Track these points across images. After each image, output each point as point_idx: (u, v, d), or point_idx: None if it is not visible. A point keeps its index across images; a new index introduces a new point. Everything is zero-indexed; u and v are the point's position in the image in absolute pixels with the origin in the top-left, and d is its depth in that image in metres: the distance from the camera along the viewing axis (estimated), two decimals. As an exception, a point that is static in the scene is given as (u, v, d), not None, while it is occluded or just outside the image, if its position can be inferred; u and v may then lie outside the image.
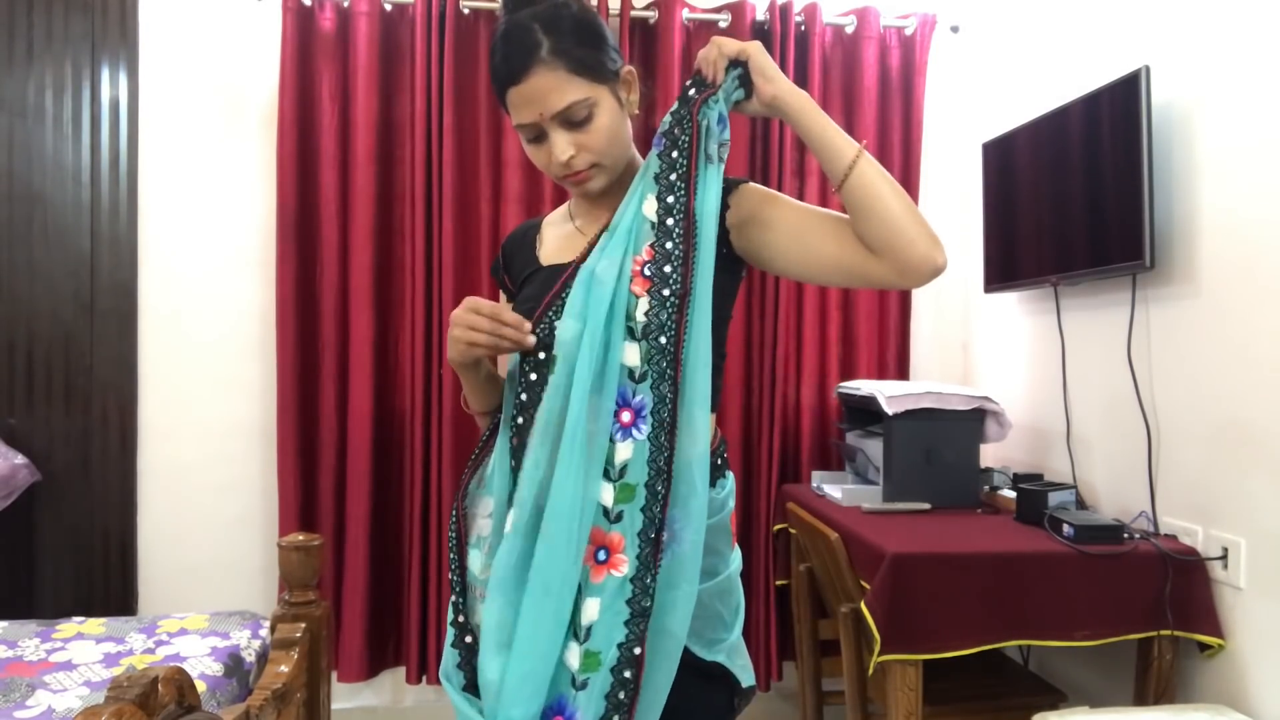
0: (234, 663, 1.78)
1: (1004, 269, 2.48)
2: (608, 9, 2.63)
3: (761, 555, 2.69)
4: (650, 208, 1.15)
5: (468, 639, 1.19)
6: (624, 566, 1.09)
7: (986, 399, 2.33)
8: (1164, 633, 1.80)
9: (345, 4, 2.61)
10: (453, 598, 1.22)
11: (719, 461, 1.23)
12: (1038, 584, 1.81)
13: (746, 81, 1.14)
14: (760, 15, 2.70)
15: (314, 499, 2.64)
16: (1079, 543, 1.85)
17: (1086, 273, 2.12)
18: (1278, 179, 1.70)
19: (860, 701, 2.07)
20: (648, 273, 1.12)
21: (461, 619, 1.21)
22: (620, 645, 1.08)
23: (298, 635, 1.70)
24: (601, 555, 1.10)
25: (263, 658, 1.87)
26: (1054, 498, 2.07)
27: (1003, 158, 2.48)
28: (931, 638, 1.76)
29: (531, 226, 1.36)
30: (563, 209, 1.35)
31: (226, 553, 2.69)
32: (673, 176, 1.14)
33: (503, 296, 1.37)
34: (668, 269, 1.12)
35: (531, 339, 1.14)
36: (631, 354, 1.11)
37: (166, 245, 2.68)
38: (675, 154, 1.14)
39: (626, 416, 1.11)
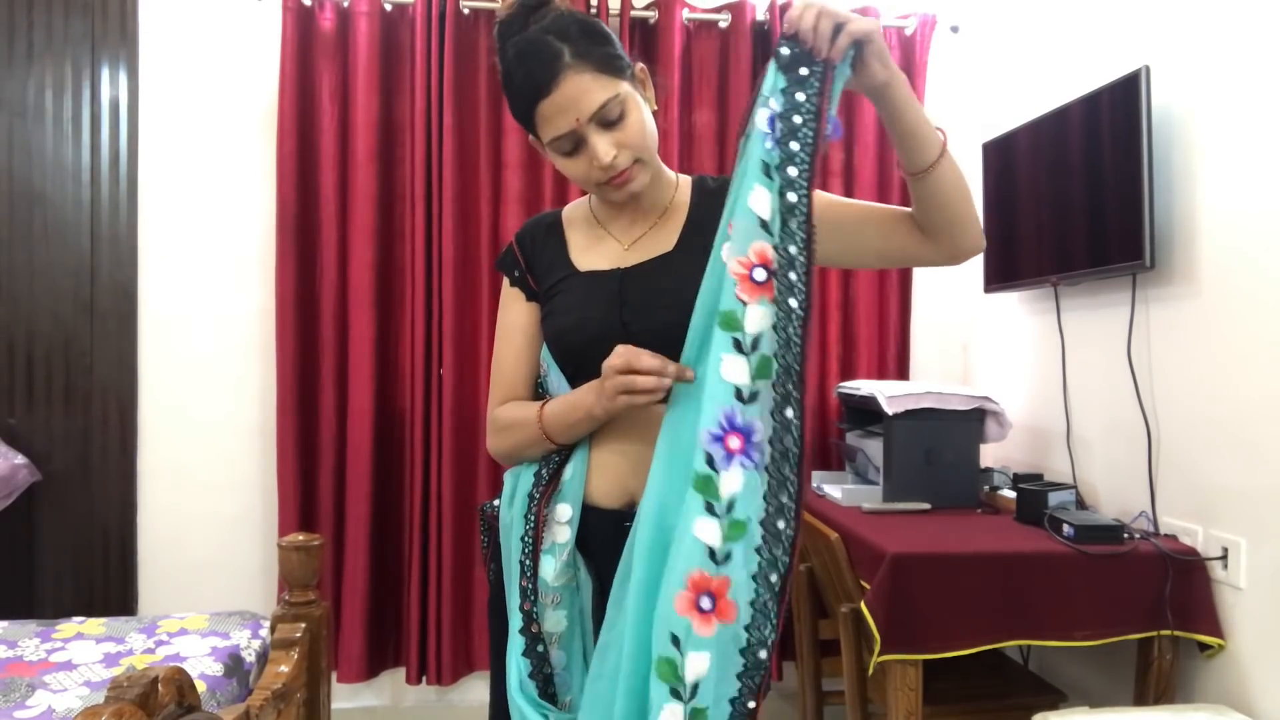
0: (234, 663, 1.78)
1: (1004, 269, 2.48)
2: (607, 9, 2.63)
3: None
4: (763, 203, 1.03)
5: (539, 648, 1.18)
6: (734, 614, 0.98)
7: (986, 399, 2.33)
8: (1164, 633, 1.80)
9: (345, 4, 2.61)
10: (523, 606, 1.18)
11: None
12: (1038, 584, 1.81)
13: (855, 61, 1.05)
14: (760, 15, 2.70)
15: (314, 499, 2.63)
16: (1079, 543, 1.85)
17: (1086, 273, 2.12)
18: (1277, 179, 1.70)
19: (860, 701, 2.07)
20: (759, 278, 1.01)
21: (535, 628, 1.18)
22: (733, 700, 0.99)
23: (298, 635, 1.70)
24: (705, 604, 0.98)
25: (263, 658, 1.87)
26: (1054, 498, 2.07)
27: (1003, 158, 2.48)
28: (931, 638, 1.76)
29: (552, 224, 1.30)
30: (582, 209, 1.30)
31: (226, 553, 2.69)
32: (792, 171, 1.03)
33: (514, 294, 1.30)
34: (793, 276, 1.01)
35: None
36: (738, 370, 1.01)
37: (166, 245, 2.68)
38: (795, 145, 1.03)
39: (735, 442, 0.99)
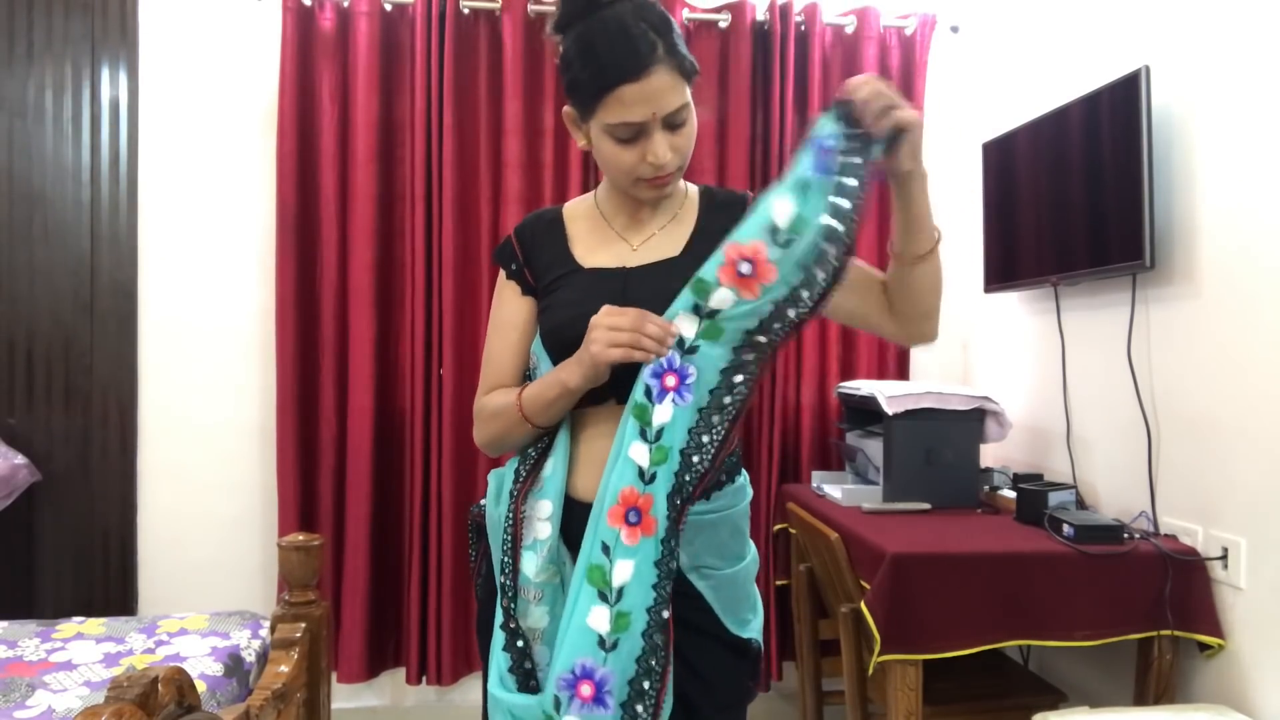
0: (234, 663, 1.78)
1: (1004, 269, 2.48)
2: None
3: (762, 555, 2.68)
4: (784, 212, 1.11)
5: (519, 643, 1.19)
6: (654, 528, 1.11)
7: (986, 399, 2.33)
8: (1164, 633, 1.80)
9: (345, 4, 2.61)
10: (502, 602, 1.20)
11: (734, 460, 1.28)
12: (1038, 584, 1.81)
13: (892, 144, 1.12)
14: (760, 15, 2.70)
15: (314, 499, 2.63)
16: (1079, 543, 1.85)
17: (1086, 273, 2.12)
18: (1277, 179, 1.70)
19: (860, 701, 2.07)
20: (745, 271, 1.11)
21: (513, 624, 1.19)
22: (649, 609, 1.10)
23: (298, 635, 1.70)
24: (633, 518, 1.11)
25: (263, 658, 1.87)
26: (1054, 498, 2.07)
27: (1003, 158, 2.48)
28: (931, 638, 1.76)
29: (553, 220, 1.30)
30: (586, 205, 1.31)
31: (226, 553, 2.69)
32: (843, 203, 1.11)
33: (509, 287, 1.30)
34: (806, 295, 1.12)
35: (674, 329, 1.15)
36: (688, 326, 1.13)
37: (166, 245, 2.68)
38: (851, 180, 1.11)
39: (671, 381, 1.12)
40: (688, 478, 1.12)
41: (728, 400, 1.13)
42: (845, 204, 1.10)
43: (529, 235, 1.29)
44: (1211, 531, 1.85)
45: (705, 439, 1.12)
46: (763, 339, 1.13)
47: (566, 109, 1.20)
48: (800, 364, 2.76)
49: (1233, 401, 1.80)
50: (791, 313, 1.12)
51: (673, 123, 1.14)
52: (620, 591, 1.10)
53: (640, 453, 1.12)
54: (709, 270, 1.13)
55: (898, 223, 1.19)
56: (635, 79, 1.09)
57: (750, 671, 1.28)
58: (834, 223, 1.10)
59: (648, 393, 1.13)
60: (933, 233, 1.18)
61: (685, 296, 1.13)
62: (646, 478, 1.11)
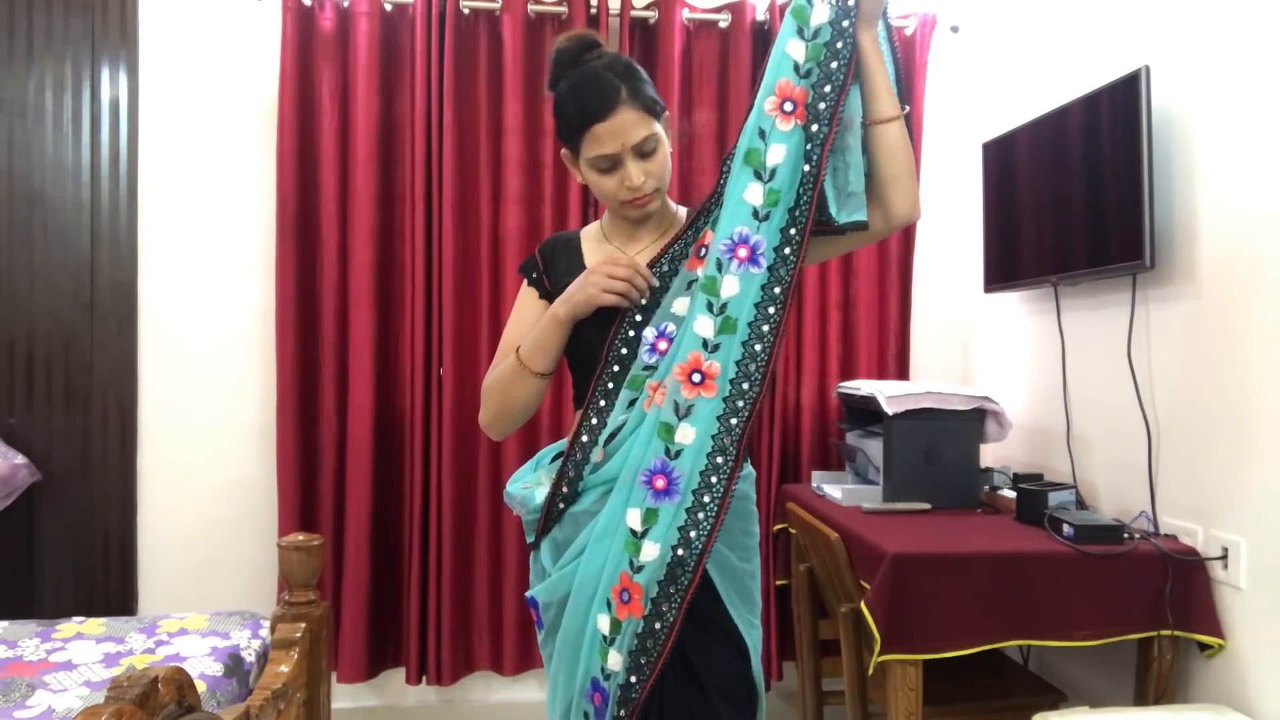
0: (234, 663, 1.78)
1: (1004, 269, 2.48)
2: (607, 9, 2.63)
3: (762, 555, 2.68)
4: (798, 51, 1.31)
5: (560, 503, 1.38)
6: (714, 390, 1.26)
7: (986, 399, 2.33)
8: (1164, 633, 1.80)
9: (345, 4, 2.61)
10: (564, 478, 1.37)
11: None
12: (1038, 584, 1.81)
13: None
14: (760, 15, 2.71)
15: (314, 499, 2.64)
16: (1079, 543, 1.85)
17: (1086, 273, 2.12)
18: (1277, 179, 1.70)
19: (860, 701, 2.07)
20: (788, 109, 1.29)
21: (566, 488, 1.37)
22: (708, 454, 1.26)
23: (298, 635, 1.70)
24: (696, 378, 1.26)
25: (263, 658, 1.87)
26: (1054, 498, 2.07)
27: (1003, 158, 2.48)
28: (931, 638, 1.76)
29: (569, 240, 1.50)
30: (595, 230, 1.50)
31: (226, 553, 2.69)
32: (838, 38, 1.32)
33: (530, 292, 1.48)
34: (821, 106, 1.28)
35: (649, 280, 1.33)
36: (755, 193, 1.28)
37: (166, 245, 2.68)
38: (846, 23, 1.30)
39: (744, 252, 1.26)
40: (759, 347, 1.26)
41: (789, 252, 1.28)
42: (841, 43, 1.28)
43: (549, 250, 1.49)
44: (1211, 531, 1.85)
45: (772, 309, 1.27)
46: (807, 180, 1.27)
47: (563, 150, 1.40)
48: (800, 364, 2.76)
49: (1233, 401, 1.80)
50: (814, 127, 1.26)
51: (642, 151, 1.32)
52: (680, 452, 1.27)
53: (705, 325, 1.27)
54: (752, 139, 1.29)
55: (863, 90, 1.34)
56: (603, 119, 1.29)
57: (748, 669, 1.34)
58: (839, 43, 1.27)
59: (719, 265, 1.26)
60: (892, 103, 1.32)
61: (744, 170, 1.29)
62: (710, 347, 1.27)
